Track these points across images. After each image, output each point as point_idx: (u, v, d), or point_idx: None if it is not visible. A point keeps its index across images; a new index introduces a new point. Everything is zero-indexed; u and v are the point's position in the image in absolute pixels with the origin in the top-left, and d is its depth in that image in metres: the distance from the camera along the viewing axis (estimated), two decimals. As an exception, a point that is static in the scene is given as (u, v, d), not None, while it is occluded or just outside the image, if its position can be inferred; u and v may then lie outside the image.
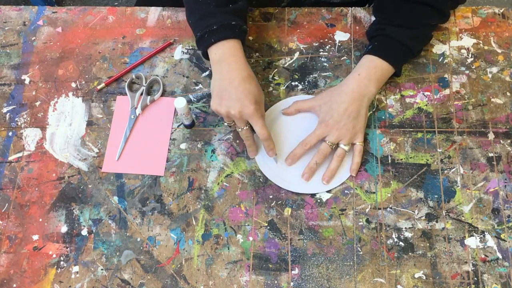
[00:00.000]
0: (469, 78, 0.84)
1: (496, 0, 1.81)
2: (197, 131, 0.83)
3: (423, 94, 0.83)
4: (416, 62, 0.86)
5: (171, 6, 0.93)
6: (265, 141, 0.76)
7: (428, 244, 0.73)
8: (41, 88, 0.87)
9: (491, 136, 0.80)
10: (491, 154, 0.79)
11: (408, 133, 0.81)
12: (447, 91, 0.84)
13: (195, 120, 0.83)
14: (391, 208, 0.76)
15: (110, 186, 0.79)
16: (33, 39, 0.91)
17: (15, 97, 0.86)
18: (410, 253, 0.73)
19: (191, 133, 0.83)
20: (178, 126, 0.83)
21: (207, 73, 0.87)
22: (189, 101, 0.85)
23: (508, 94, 0.83)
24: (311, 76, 0.86)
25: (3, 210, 0.78)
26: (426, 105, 0.83)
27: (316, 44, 0.88)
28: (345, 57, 0.87)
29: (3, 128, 0.84)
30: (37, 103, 0.86)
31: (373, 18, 0.88)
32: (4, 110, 0.86)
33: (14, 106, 0.86)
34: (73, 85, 0.87)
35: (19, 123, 0.84)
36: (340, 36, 0.89)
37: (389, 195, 0.77)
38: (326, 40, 0.89)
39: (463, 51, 0.87)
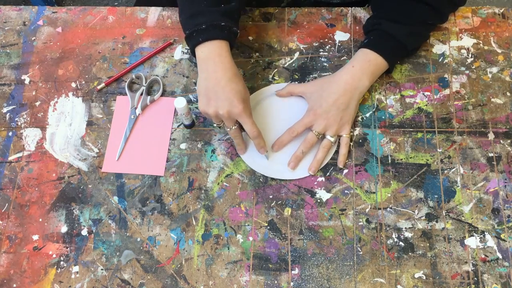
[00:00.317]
0: (469, 78, 0.84)
1: (496, 0, 1.81)
2: (197, 131, 0.83)
3: (423, 94, 0.83)
4: (416, 62, 0.86)
5: (171, 6, 0.93)
6: (255, 139, 0.77)
7: (428, 244, 0.73)
8: (41, 88, 0.87)
9: (491, 136, 0.80)
10: (491, 154, 0.79)
11: (408, 133, 0.81)
12: (447, 91, 0.84)
13: (195, 120, 0.83)
14: (391, 208, 0.76)
15: (110, 186, 0.79)
16: (33, 39, 0.91)
17: (15, 97, 0.86)
18: (410, 253, 0.73)
19: (191, 133, 0.83)
20: (178, 126, 0.83)
21: (207, 73, 0.87)
22: (189, 101, 0.85)
23: (508, 94, 0.83)
24: (311, 76, 0.86)
25: (3, 210, 0.78)
26: (426, 105, 0.83)
27: (316, 44, 0.88)
28: (345, 57, 0.87)
29: (3, 128, 0.84)
30: (37, 103, 0.86)
31: (372, 17, 0.88)
32: (4, 110, 0.86)
33: (14, 106, 0.86)
34: (73, 85, 0.87)
35: (19, 123, 0.84)
36: (340, 36, 0.89)
37: (389, 195, 0.77)
38: (326, 40, 0.89)
39: (463, 51, 0.87)
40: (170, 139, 0.82)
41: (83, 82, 0.87)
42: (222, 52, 0.76)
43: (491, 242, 0.73)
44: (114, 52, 0.89)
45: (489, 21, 0.89)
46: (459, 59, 0.86)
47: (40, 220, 0.77)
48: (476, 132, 0.80)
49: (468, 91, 0.83)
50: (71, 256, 0.75)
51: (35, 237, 0.76)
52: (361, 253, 0.73)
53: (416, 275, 0.72)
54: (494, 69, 0.85)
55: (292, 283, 0.72)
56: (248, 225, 0.76)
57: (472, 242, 0.73)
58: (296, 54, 0.88)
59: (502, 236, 0.73)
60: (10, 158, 0.82)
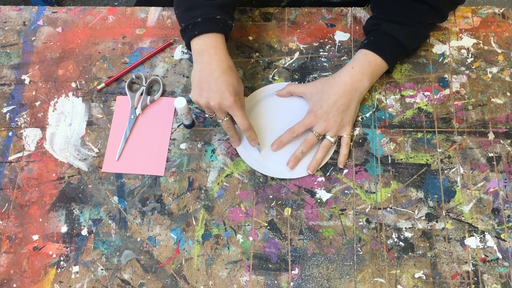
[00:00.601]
0: (469, 78, 0.84)
1: (496, 0, 1.81)
2: (197, 131, 0.83)
3: (423, 94, 0.83)
4: (416, 62, 0.86)
5: (171, 6, 0.92)
6: (246, 132, 0.77)
7: (428, 244, 0.73)
8: (41, 88, 0.87)
9: (491, 136, 0.80)
10: (491, 154, 0.79)
11: (408, 133, 0.81)
12: (447, 91, 0.84)
13: (195, 120, 0.83)
14: (391, 208, 0.76)
15: (110, 186, 0.79)
16: (33, 39, 0.91)
17: (15, 97, 0.86)
18: (410, 253, 0.73)
19: (191, 133, 0.83)
20: (178, 126, 0.83)
21: (207, 73, 0.87)
22: (189, 101, 0.85)
23: (508, 94, 0.83)
24: (311, 76, 0.86)
25: (3, 210, 0.78)
26: (426, 105, 0.83)
27: (316, 44, 0.88)
28: (345, 57, 0.87)
29: (3, 128, 0.84)
30: (37, 103, 0.86)
31: (372, 17, 0.88)
32: (4, 110, 0.86)
33: (14, 106, 0.86)
34: (73, 85, 0.87)
35: (19, 123, 0.84)
36: (340, 36, 0.89)
37: (389, 195, 0.77)
38: (326, 40, 0.89)
39: (463, 51, 0.87)
40: (170, 139, 0.82)
41: (83, 82, 0.87)
42: (217, 45, 0.76)
43: (491, 242, 0.73)
44: (114, 52, 0.89)
45: (489, 21, 0.89)
46: (459, 59, 0.86)
47: (40, 220, 0.77)
48: (476, 132, 0.80)
49: (468, 91, 0.83)
50: (71, 256, 0.75)
51: (35, 237, 0.76)
52: (361, 253, 0.73)
53: (416, 275, 0.72)
54: (494, 69, 0.85)
55: (292, 283, 0.72)
56: (248, 225, 0.76)
57: (472, 242, 0.73)
58: (296, 54, 0.88)
59: (502, 236, 0.73)
60: (10, 158, 0.82)
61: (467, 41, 0.87)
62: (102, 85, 0.86)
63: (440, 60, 0.86)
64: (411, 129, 0.81)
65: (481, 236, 0.74)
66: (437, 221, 0.75)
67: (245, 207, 0.77)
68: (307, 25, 0.90)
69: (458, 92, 0.83)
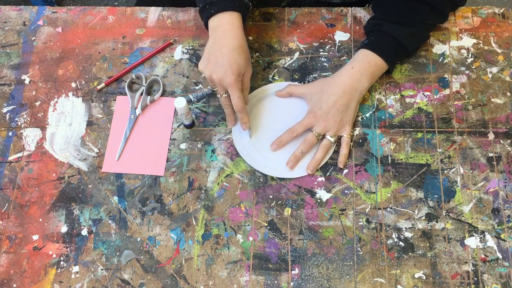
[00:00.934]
0: (469, 78, 0.84)
1: (496, 0, 1.81)
2: (197, 131, 0.83)
3: (423, 94, 0.83)
4: (416, 62, 0.86)
5: (171, 6, 0.93)
6: (239, 113, 0.78)
7: (428, 244, 0.73)
8: (41, 88, 0.87)
9: (491, 136, 0.80)
10: (491, 154, 0.79)
11: (408, 133, 0.81)
12: (447, 91, 0.84)
13: (195, 120, 0.83)
14: (391, 208, 0.76)
15: (110, 186, 0.79)
16: (33, 39, 0.91)
17: (15, 97, 0.86)
18: (410, 253, 0.73)
19: (191, 133, 0.83)
20: (178, 126, 0.83)
21: (207, 73, 0.87)
22: (189, 101, 0.85)
23: (508, 94, 0.83)
24: (311, 76, 0.86)
25: (3, 210, 0.78)
26: (426, 105, 0.83)
27: (316, 44, 0.88)
28: (345, 57, 0.87)
29: (3, 128, 0.84)
30: (37, 103, 0.86)
31: (373, 17, 0.88)
32: (4, 110, 0.86)
33: (14, 106, 0.86)
34: (73, 85, 0.87)
35: (19, 123, 0.84)
36: (340, 36, 0.89)
37: (389, 195, 0.77)
38: (326, 40, 0.89)
39: (463, 51, 0.87)
40: (170, 139, 0.82)
41: (83, 82, 0.87)
42: (233, 22, 0.77)
43: (491, 242, 0.73)
44: (114, 52, 0.89)
45: (489, 21, 0.89)
46: (459, 59, 0.86)
47: (40, 220, 0.77)
48: (476, 132, 0.80)
49: (468, 91, 0.83)
50: (71, 256, 0.75)
51: (35, 237, 0.76)
52: (361, 253, 0.73)
53: (416, 275, 0.72)
54: (494, 69, 0.85)
55: (292, 283, 0.72)
56: (248, 225, 0.76)
57: (472, 242, 0.73)
58: (296, 54, 0.88)
59: (502, 236, 0.73)
60: (10, 158, 0.82)
61: (467, 41, 0.87)
62: (102, 85, 0.86)
63: (440, 60, 0.86)
64: (411, 129, 0.81)
65: (481, 236, 0.74)
66: (437, 221, 0.75)
67: (245, 207, 0.77)
68: (307, 25, 0.90)
69: (458, 92, 0.83)
